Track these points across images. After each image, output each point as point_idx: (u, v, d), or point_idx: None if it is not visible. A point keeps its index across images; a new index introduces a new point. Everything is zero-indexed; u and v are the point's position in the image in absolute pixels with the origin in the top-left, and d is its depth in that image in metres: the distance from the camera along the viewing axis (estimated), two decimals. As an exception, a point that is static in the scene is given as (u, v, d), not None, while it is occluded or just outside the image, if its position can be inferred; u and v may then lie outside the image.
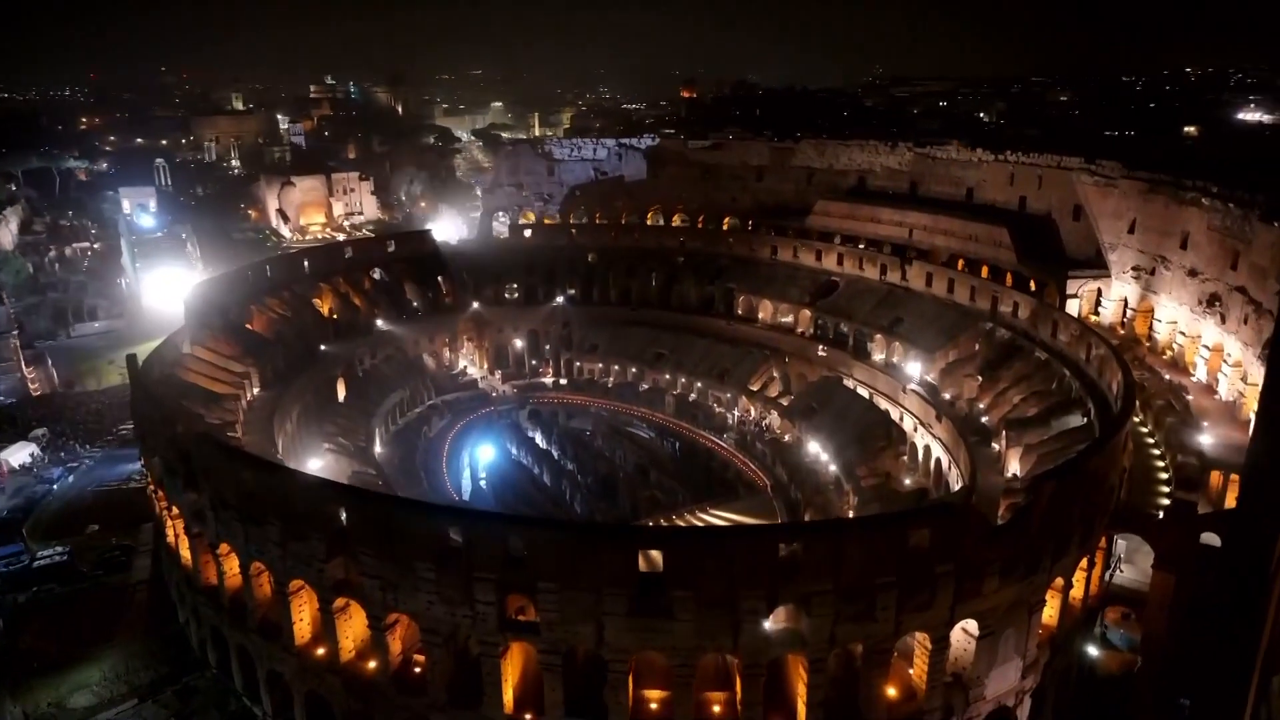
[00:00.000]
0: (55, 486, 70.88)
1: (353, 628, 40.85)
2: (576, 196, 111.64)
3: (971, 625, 37.60)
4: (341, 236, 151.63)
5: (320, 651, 41.84)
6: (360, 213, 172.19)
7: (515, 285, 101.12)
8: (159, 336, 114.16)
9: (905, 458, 67.39)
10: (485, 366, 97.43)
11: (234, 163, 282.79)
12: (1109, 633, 48.04)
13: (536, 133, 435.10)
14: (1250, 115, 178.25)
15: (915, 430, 68.65)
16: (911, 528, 35.23)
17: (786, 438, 77.08)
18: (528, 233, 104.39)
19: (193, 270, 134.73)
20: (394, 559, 36.69)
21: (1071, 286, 68.68)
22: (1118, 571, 45.95)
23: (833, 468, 69.81)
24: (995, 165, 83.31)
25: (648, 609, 34.49)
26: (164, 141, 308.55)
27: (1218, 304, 55.12)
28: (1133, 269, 65.91)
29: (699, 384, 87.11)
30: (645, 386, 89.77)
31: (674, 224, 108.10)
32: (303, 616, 42.00)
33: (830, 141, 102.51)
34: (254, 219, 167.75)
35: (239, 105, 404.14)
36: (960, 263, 79.30)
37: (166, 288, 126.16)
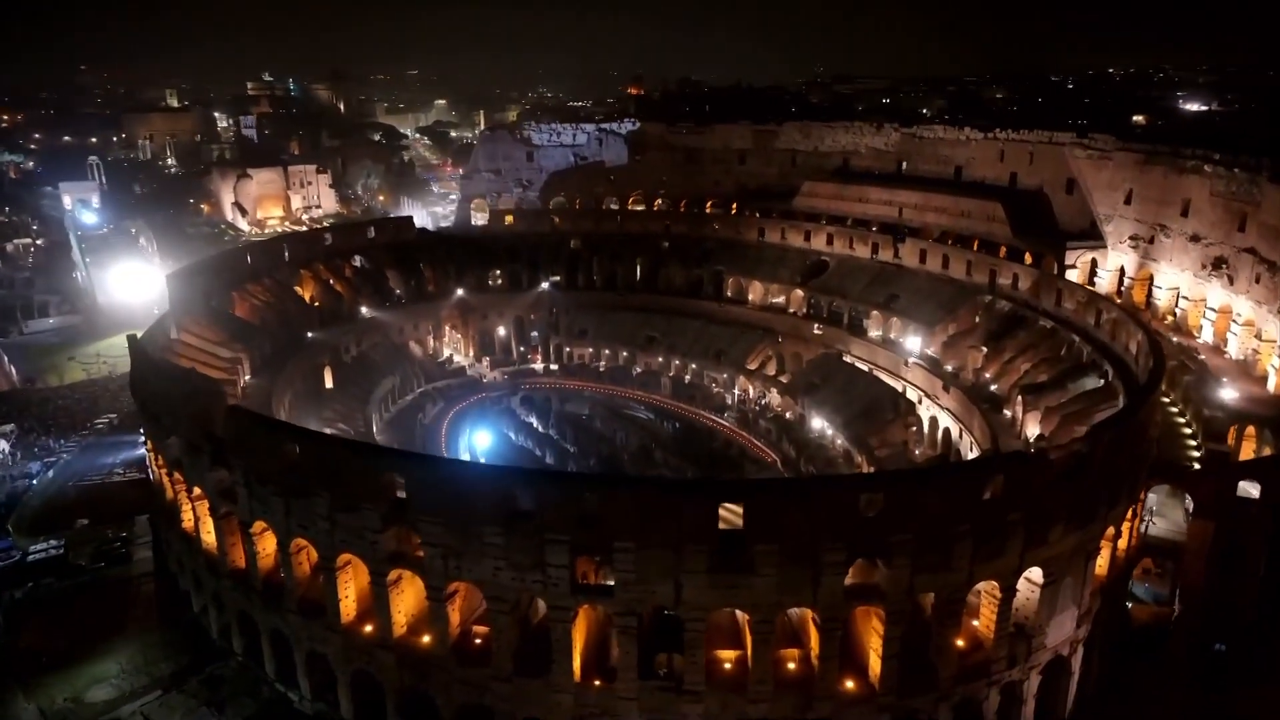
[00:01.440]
0: (35, 481, 67.36)
1: (404, 601, 39.49)
2: (556, 182, 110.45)
3: (1034, 574, 37.93)
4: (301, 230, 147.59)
5: (368, 629, 40.35)
6: (318, 206, 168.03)
7: (499, 272, 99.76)
8: (119, 332, 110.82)
9: (915, 429, 68.05)
10: (471, 354, 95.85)
11: (170, 161, 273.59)
12: (1134, 587, 49.16)
13: (481, 130, 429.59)
14: (1193, 105, 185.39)
15: (920, 402, 69.46)
16: (988, 475, 35.36)
17: (788, 414, 77.37)
18: (509, 219, 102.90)
19: (150, 265, 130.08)
20: (458, 526, 35.51)
21: (1069, 258, 70.28)
22: (1151, 524, 46.93)
23: (839, 441, 70.31)
24: (985, 143, 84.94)
25: (727, 565, 34.00)
26: (94, 139, 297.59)
27: (1224, 267, 56.98)
28: (1130, 238, 67.74)
29: (693, 365, 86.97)
30: (639, 370, 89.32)
31: (656, 209, 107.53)
32: (348, 593, 40.45)
33: (814, 124, 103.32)
34: (207, 213, 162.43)
35: (173, 102, 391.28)
36: (949, 239, 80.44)
37: (125, 283, 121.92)
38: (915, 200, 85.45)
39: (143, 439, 75.00)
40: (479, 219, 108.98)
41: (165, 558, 55.63)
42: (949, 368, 69.75)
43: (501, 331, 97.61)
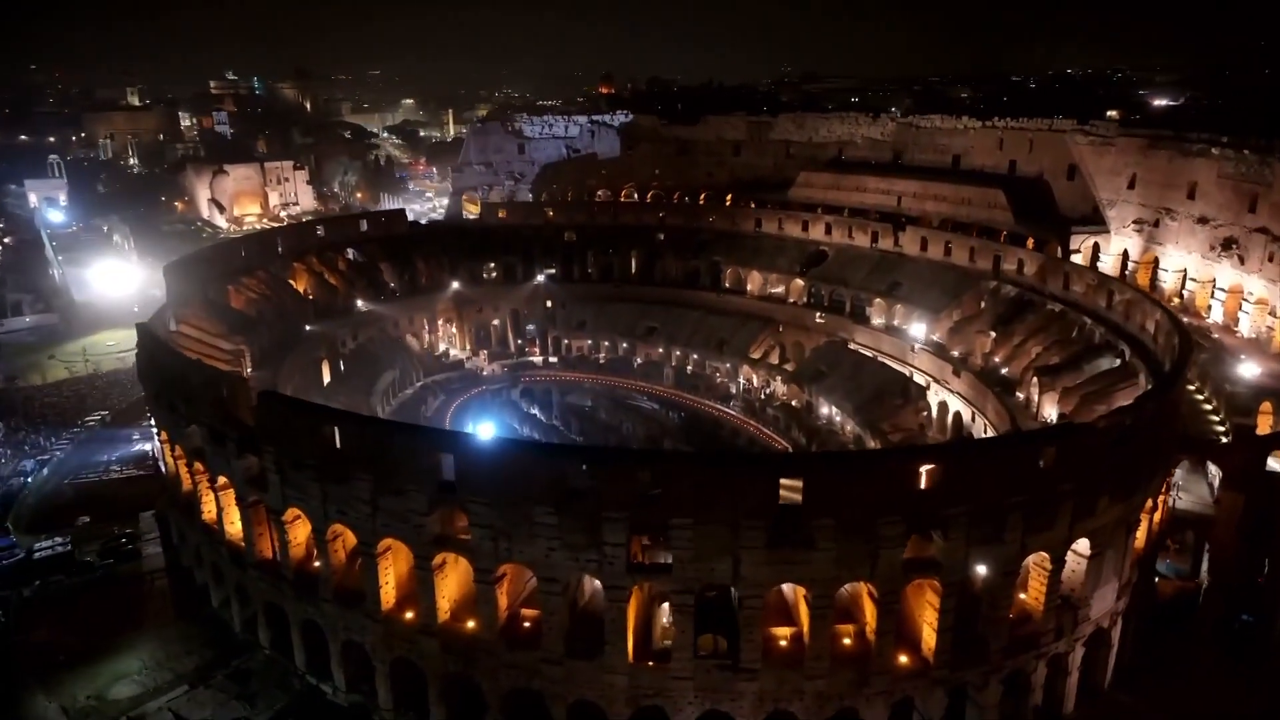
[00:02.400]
0: (29, 479, 65.39)
1: (447, 586, 38.76)
2: (549, 175, 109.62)
3: (1080, 546, 38.18)
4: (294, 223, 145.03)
5: (409, 615, 39.55)
6: (296, 203, 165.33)
7: (493, 265, 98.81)
8: (99, 330, 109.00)
9: (924, 413, 68.44)
10: (468, 347, 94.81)
11: (132, 160, 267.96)
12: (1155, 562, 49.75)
13: (451, 130, 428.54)
14: (1161, 100, 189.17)
15: (929, 387, 69.88)
16: (1042, 446, 35.52)
17: (794, 402, 77.45)
18: (502, 213, 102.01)
19: (128, 263, 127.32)
20: (509, 506, 34.89)
21: (1073, 243, 71.17)
22: (1177, 499, 47.53)
23: (850, 427, 70.52)
24: (983, 131, 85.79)
25: (786, 540, 33.77)
26: (52, 139, 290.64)
27: (1235, 247, 58.01)
28: (1134, 222, 68.80)
29: (694, 355, 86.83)
30: (639, 361, 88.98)
31: (649, 200, 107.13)
32: (388, 579, 39.60)
33: (809, 114, 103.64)
34: (181, 210, 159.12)
35: (134, 101, 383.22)
36: (949, 227, 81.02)
37: (105, 281, 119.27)
38: (914, 189, 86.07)
39: (137, 434, 74.32)
40: (469, 212, 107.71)
41: (178, 553, 54.28)
42: (955, 353, 70.23)
43: (496, 324, 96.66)
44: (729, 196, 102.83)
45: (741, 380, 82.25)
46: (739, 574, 34.29)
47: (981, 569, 35.91)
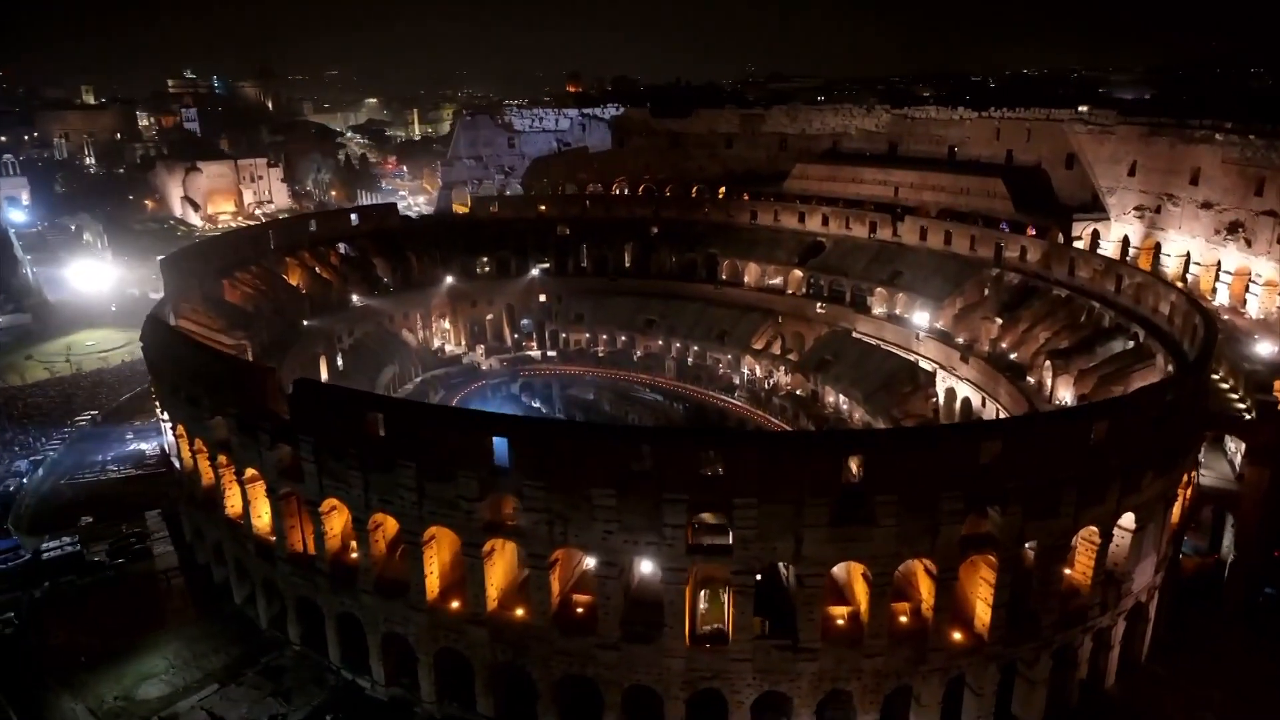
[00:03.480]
0: (25, 480, 63.30)
1: (494, 574, 38.14)
2: (539, 168, 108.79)
3: (1124, 520, 38.62)
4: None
5: (454, 605, 38.87)
6: (270, 201, 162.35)
7: (485, 259, 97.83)
8: (77, 330, 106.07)
9: (933, 399, 69.01)
10: (464, 342, 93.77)
11: (89, 160, 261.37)
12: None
13: (416, 129, 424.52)
14: (1126, 96, 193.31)
15: (936, 373, 70.46)
16: (1095, 420, 35.85)
17: (799, 391, 77.66)
18: (493, 208, 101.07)
19: (103, 262, 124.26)
20: (566, 489, 34.41)
21: (1074, 230, 72.28)
22: (1200, 475, 48.36)
23: (858, 414, 70.87)
24: (979, 122, 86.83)
25: (848, 518, 33.73)
26: (3, 138, 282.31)
27: (1241, 230, 59.31)
28: (1135, 209, 70.07)
29: (695, 347, 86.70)
30: (639, 353, 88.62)
31: (639, 193, 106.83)
32: (432, 569, 38.88)
33: (802, 106, 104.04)
34: (151, 209, 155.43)
35: (89, 99, 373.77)
36: (947, 217, 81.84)
37: (81, 280, 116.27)
38: (911, 179, 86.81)
39: (131, 433, 72.31)
40: (459, 210, 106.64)
41: (193, 550, 52.94)
42: (960, 340, 70.88)
43: (491, 319, 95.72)
44: (721, 190, 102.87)
45: (745, 371, 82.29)
46: (801, 553, 34.18)
47: (1034, 544, 36.23)
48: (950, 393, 69.52)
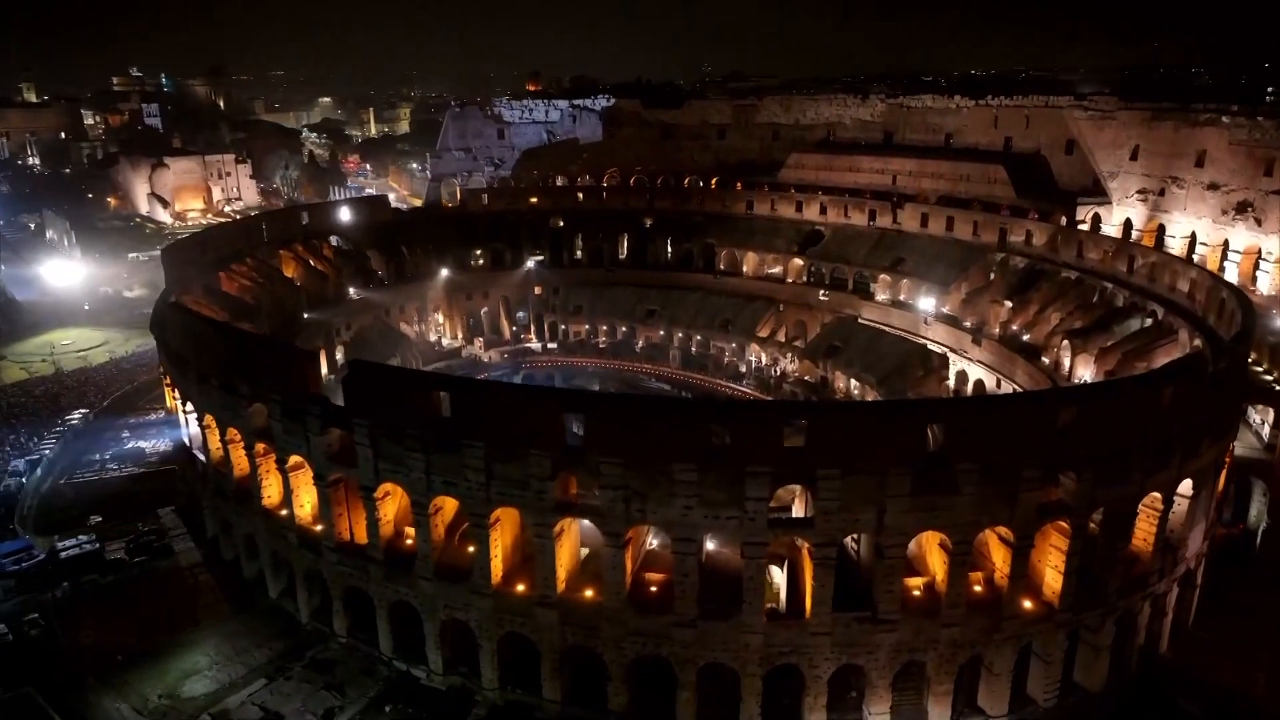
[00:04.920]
0: (24, 480, 60.72)
1: (562, 555, 37.42)
2: (529, 160, 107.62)
3: (1182, 487, 39.24)
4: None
5: (520, 588, 38.08)
6: (239, 198, 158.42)
7: (479, 252, 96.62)
8: (49, 329, 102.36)
9: (946, 382, 69.72)
10: (460, 335, 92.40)
11: (33, 160, 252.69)
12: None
13: (372, 129, 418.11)
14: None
15: (948, 357, 71.21)
16: (1164, 387, 36.37)
17: (808, 378, 77.92)
18: (485, 198, 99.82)
19: (71, 260, 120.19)
20: (645, 465, 33.88)
21: (1078, 214, 73.56)
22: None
23: (870, 398, 71.21)
24: (977, 110, 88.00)
25: (929, 487, 33.73)
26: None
27: (1250, 210, 60.91)
28: (1138, 192, 71.59)
29: (698, 336, 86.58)
30: (641, 344, 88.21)
31: (632, 185, 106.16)
32: (497, 552, 38.05)
33: (796, 96, 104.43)
34: (114, 206, 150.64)
35: (31, 98, 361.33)
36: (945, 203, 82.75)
37: (52, 279, 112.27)
38: (910, 167, 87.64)
39: (126, 431, 69.80)
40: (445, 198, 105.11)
41: (217, 546, 51.19)
42: (968, 324, 71.76)
43: (487, 311, 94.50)
44: (714, 180, 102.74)
45: (751, 358, 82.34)
46: (883, 523, 34.10)
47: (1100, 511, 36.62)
48: (962, 375, 70.37)
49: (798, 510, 38.64)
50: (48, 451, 65.78)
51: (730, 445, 33.74)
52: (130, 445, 67.70)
